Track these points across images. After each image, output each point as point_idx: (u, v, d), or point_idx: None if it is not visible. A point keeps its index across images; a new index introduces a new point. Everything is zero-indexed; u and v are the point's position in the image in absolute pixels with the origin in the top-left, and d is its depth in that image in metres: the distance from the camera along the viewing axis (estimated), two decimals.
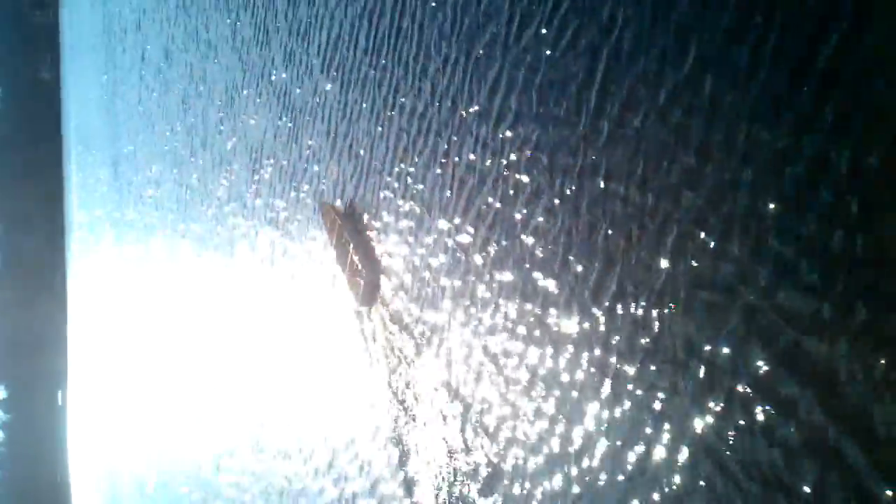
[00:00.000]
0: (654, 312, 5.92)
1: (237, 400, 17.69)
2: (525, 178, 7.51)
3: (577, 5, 6.80)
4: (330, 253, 11.96)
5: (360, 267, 10.94)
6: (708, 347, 5.42)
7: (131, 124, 30.41)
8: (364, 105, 11.23)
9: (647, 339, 5.94)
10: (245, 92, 16.23)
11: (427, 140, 9.40)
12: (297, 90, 13.33)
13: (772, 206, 5.02)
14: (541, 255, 7.28)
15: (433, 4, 9.28)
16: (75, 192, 68.82)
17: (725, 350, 5.29)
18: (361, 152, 11.35)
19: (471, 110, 8.46)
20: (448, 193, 8.89)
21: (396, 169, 10.16)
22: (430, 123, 9.40)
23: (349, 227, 11.34)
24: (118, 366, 39.62)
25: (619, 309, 6.23)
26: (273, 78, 14.74)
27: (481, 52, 8.27)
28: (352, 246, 11.13)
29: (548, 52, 7.17)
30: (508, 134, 7.77)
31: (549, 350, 7.27)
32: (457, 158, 8.66)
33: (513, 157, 7.71)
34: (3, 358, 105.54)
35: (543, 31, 7.23)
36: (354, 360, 11.55)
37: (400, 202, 10.01)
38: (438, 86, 9.07)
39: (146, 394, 30.60)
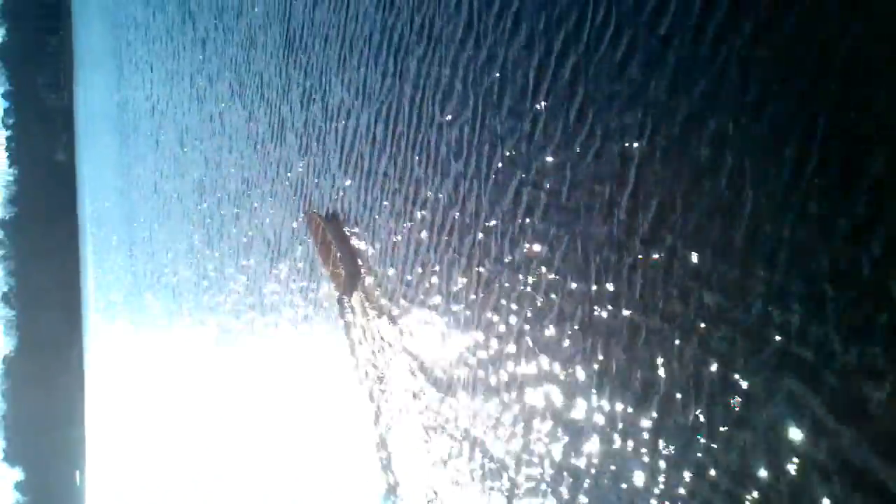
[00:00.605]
0: None
1: (252, 476, 17.49)
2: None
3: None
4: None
5: (340, 261, 12.36)
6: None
7: (146, 209, 30.54)
8: (385, 203, 11.11)
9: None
10: (260, 186, 16.20)
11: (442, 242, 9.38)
12: (316, 190, 13.25)
13: None
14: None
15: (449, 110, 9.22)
16: (91, 272, 69.18)
17: None
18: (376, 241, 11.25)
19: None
20: None
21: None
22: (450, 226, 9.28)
23: (331, 228, 12.73)
24: (135, 444, 39.27)
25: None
26: (289, 174, 14.67)
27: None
28: (333, 244, 12.50)
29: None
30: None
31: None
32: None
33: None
34: (20, 437, 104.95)
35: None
36: (368, 463, 11.47)
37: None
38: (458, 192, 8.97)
39: (163, 472, 30.21)
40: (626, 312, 6.26)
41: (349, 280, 12.31)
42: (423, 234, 9.90)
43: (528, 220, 7.74)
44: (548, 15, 7.18)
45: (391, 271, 11.05)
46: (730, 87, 5.42)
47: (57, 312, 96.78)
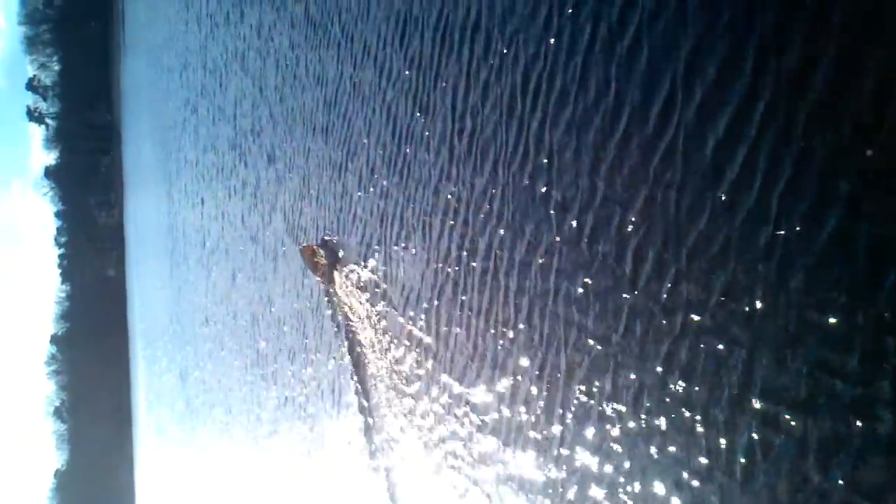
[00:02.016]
0: None
1: None
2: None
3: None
4: None
5: (322, 258, 14.17)
6: None
7: (197, 339, 30.72)
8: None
9: None
10: (314, 331, 16.02)
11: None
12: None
13: None
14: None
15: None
16: (142, 390, 69.56)
17: None
18: None
19: None
20: None
21: None
22: None
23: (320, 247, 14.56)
24: None
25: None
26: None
27: None
28: (319, 251, 14.37)
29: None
30: None
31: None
32: None
33: None
34: None
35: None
36: None
37: None
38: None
39: None
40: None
41: (329, 269, 14.05)
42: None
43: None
44: None
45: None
46: None
47: (107, 426, 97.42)
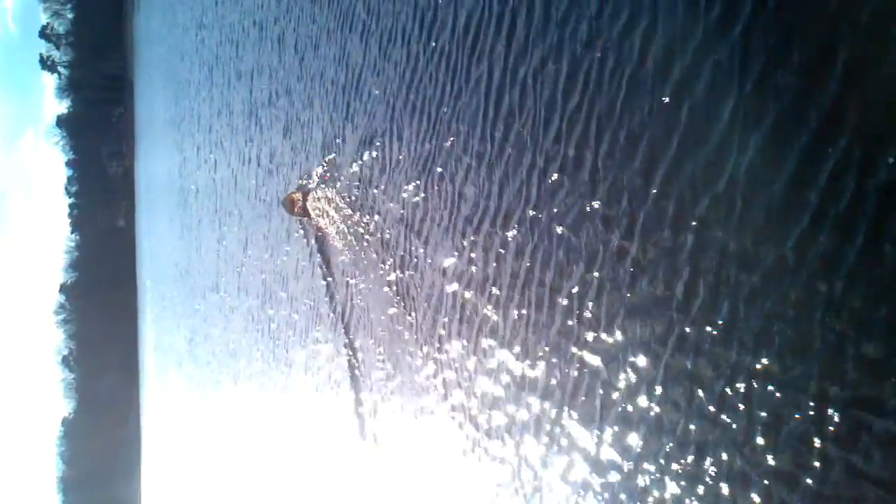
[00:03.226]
0: None
1: None
2: None
3: None
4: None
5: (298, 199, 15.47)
6: None
7: (205, 297, 31.27)
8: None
9: None
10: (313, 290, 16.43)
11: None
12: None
13: None
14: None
15: None
16: (150, 336, 70.48)
17: None
18: None
19: None
20: None
21: None
22: None
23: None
24: (189, 500, 39.59)
25: None
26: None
27: None
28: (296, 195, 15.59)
29: None
30: None
31: None
32: None
33: None
34: (79, 491, 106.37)
35: None
36: None
37: None
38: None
39: None
40: None
41: (300, 203, 15.49)
42: None
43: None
44: None
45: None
46: None
47: (115, 374, 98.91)
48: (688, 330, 5.60)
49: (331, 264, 14.97)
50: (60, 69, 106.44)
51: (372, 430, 12.95)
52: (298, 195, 15.73)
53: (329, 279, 15.22)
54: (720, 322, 5.34)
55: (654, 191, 5.84)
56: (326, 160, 14.47)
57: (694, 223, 5.52)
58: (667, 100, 5.71)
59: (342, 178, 13.60)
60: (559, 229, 7.03)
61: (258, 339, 22.11)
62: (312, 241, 16.04)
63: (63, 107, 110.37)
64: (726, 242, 5.26)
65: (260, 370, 21.92)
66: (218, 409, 28.80)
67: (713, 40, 5.37)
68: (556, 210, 7.06)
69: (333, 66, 14.15)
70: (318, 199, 15.12)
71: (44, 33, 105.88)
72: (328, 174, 14.38)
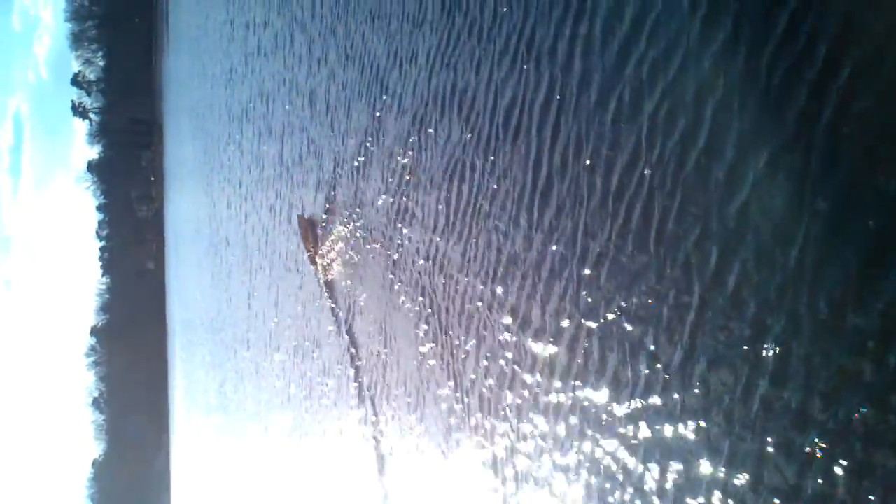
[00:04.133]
0: None
1: None
2: None
3: None
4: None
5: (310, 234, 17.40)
6: None
7: (234, 340, 31.16)
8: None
9: None
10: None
11: None
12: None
13: None
14: None
15: None
16: (179, 377, 70.57)
17: None
18: None
19: None
20: None
21: None
22: None
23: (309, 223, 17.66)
24: None
25: None
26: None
27: None
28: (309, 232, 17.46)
29: None
30: None
31: None
32: None
33: None
34: None
35: None
36: None
37: None
38: None
39: None
40: None
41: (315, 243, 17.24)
42: None
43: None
44: None
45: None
46: None
47: (145, 417, 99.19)
48: None
49: (353, 330, 15.28)
50: (91, 115, 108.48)
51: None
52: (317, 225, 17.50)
53: (352, 350, 15.38)
54: None
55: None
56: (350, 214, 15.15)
57: None
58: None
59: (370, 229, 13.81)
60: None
61: (288, 395, 21.94)
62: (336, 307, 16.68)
63: (94, 152, 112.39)
64: None
65: (290, 425, 21.74)
66: (246, 457, 28.63)
67: None
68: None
69: (363, 130, 14.01)
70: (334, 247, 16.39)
71: (75, 80, 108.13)
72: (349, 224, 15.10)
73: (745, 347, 5.46)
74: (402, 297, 11.96)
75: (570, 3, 7.38)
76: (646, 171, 6.28)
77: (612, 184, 6.73)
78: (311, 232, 17.52)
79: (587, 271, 7.12)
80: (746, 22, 5.50)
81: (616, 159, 6.66)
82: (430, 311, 10.80)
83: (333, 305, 16.58)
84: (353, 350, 15.35)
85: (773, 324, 5.26)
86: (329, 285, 17.06)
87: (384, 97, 12.76)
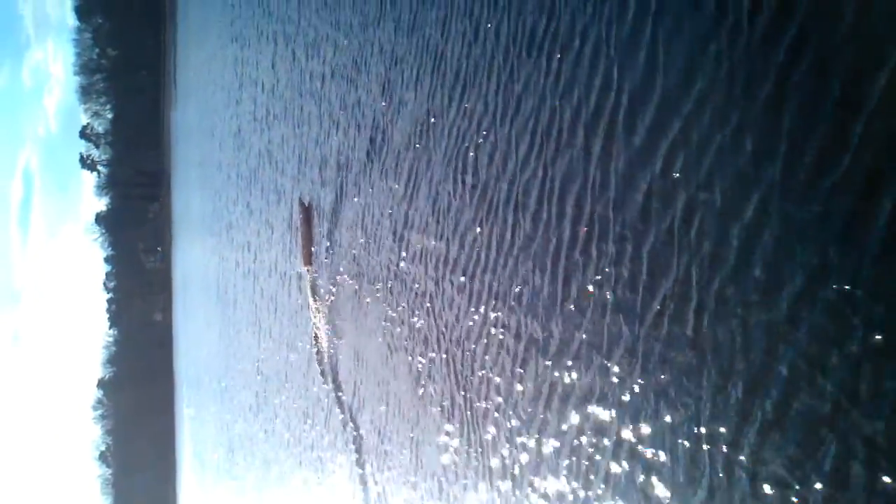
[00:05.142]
0: None
1: None
2: None
3: None
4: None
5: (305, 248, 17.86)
6: None
7: (243, 394, 30.60)
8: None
9: None
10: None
11: None
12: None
13: None
14: None
15: None
16: (187, 434, 69.62)
17: None
18: None
19: None
20: None
21: None
22: None
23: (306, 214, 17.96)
24: None
25: None
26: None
27: None
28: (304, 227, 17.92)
29: None
30: None
31: None
32: None
33: None
34: None
35: None
36: None
37: None
38: None
39: None
40: None
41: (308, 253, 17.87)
42: None
43: None
44: None
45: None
46: None
47: (152, 472, 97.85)
48: None
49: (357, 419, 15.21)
50: (100, 168, 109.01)
51: None
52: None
53: (350, 425, 15.57)
54: None
55: None
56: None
57: None
58: None
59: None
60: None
61: (299, 461, 21.42)
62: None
63: (102, 204, 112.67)
64: None
65: (300, 493, 21.22)
66: (255, 500, 27.93)
67: None
68: None
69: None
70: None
71: (84, 133, 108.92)
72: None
73: None
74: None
75: None
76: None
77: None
78: (306, 226, 18.02)
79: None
80: None
81: None
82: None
83: (340, 394, 16.35)
84: (355, 433, 15.29)
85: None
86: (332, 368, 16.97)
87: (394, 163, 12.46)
